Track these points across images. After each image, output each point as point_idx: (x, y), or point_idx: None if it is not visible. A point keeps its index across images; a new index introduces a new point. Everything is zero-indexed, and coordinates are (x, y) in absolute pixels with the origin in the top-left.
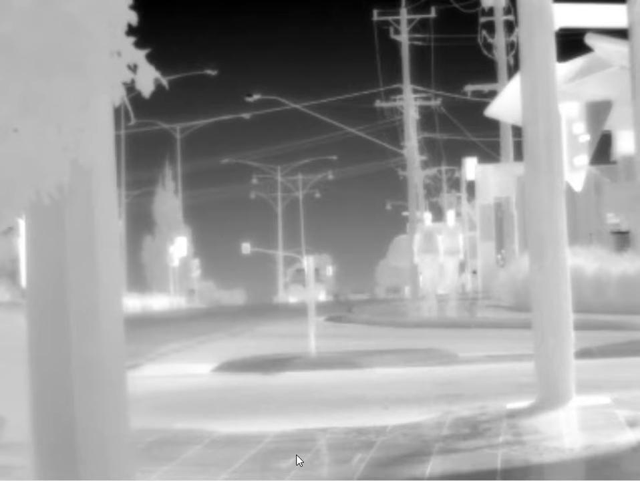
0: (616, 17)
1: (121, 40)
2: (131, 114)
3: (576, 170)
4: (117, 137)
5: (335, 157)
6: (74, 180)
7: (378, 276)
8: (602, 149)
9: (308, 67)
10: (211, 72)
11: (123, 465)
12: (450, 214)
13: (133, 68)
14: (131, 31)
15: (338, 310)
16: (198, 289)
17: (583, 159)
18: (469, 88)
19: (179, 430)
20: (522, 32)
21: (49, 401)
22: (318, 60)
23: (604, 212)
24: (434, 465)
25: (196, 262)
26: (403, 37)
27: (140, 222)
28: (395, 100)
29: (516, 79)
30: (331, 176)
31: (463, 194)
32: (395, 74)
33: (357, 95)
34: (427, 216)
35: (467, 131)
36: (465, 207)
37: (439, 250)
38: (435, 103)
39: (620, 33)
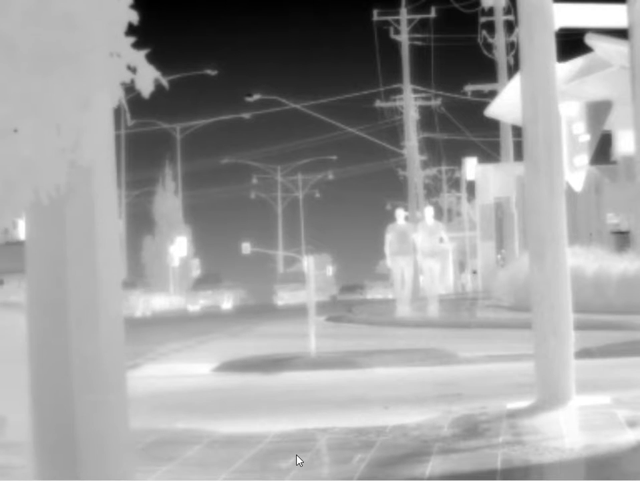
0: (616, 17)
1: (120, 40)
2: (129, 116)
3: (576, 170)
4: (117, 137)
5: (335, 158)
6: (74, 179)
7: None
8: (602, 149)
9: (309, 67)
10: (211, 72)
11: (123, 466)
12: (428, 212)
13: (133, 68)
14: (131, 30)
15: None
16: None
17: (583, 159)
18: (469, 88)
19: (179, 430)
20: (522, 32)
21: (49, 401)
22: (318, 60)
23: (604, 212)
24: (434, 465)
25: (196, 262)
26: (403, 37)
27: (140, 222)
28: (395, 100)
29: (516, 79)
30: (331, 176)
31: (463, 194)
32: (395, 74)
33: (357, 95)
34: (400, 214)
35: (468, 131)
36: (465, 207)
37: (414, 251)
38: (435, 103)
39: (620, 33)
